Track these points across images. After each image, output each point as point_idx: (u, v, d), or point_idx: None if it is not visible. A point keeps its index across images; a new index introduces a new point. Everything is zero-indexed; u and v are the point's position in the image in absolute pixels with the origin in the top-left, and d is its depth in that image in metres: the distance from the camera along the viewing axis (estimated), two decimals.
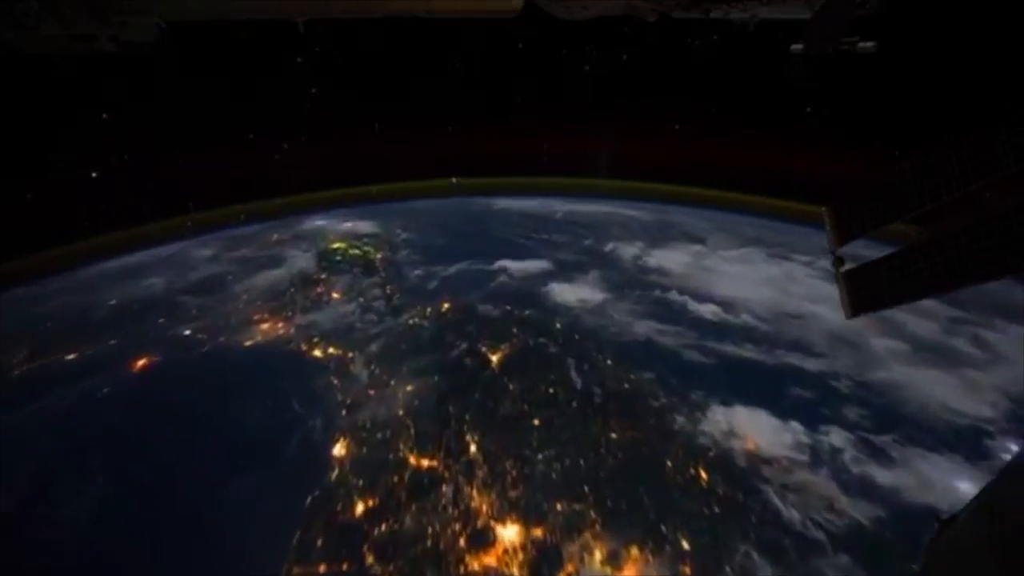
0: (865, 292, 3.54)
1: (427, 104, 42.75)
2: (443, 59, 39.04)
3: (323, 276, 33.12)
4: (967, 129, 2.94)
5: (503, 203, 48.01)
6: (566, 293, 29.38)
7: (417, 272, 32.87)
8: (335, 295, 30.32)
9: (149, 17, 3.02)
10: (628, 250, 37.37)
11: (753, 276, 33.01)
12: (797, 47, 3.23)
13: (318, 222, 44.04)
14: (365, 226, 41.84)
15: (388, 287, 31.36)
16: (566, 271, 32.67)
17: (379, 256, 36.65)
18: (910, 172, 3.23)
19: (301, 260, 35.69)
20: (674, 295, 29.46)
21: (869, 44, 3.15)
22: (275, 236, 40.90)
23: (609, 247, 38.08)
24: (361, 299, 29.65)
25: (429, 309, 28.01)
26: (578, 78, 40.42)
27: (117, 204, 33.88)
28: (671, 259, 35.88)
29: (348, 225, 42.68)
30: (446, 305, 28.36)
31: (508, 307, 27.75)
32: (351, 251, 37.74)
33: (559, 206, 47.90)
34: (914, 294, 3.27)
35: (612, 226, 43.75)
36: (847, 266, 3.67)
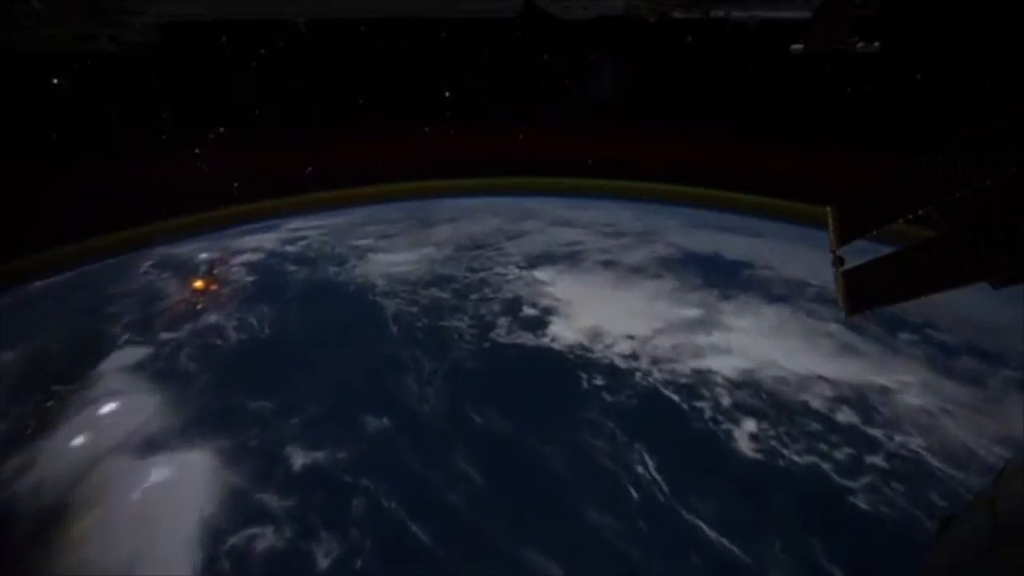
0: (862, 290, 3.39)
1: (424, 104, 35.20)
2: (442, 59, 32.97)
3: None
4: (968, 129, 2.85)
5: (554, 325, 19.02)
6: None
7: None
8: None
9: (149, 17, 2.93)
10: None
11: None
12: (797, 47, 3.20)
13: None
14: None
15: None
16: None
17: None
18: (911, 172, 3.11)
19: None
20: None
21: (869, 44, 3.11)
22: None
23: None
24: None
25: None
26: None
27: None
28: None
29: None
30: None
31: None
32: None
33: (683, 330, 18.56)
34: (910, 292, 3.11)
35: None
36: (846, 266, 3.49)
